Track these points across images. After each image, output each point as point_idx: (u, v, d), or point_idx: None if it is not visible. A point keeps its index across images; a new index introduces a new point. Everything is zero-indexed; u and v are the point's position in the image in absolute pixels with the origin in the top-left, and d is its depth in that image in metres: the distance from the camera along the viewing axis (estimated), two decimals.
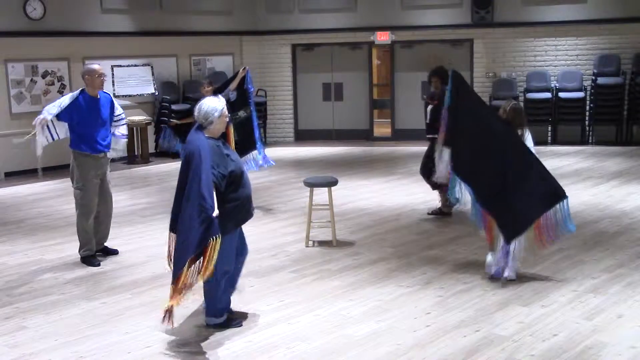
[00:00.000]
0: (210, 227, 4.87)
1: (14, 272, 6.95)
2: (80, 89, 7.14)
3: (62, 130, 7.04)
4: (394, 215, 8.82)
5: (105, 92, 7.24)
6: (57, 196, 10.74)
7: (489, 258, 6.36)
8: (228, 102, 9.05)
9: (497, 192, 6.13)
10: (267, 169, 10.16)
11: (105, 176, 7.19)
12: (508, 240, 6.14)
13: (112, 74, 13.95)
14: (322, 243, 7.66)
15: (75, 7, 13.38)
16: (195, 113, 5.25)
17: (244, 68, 9.41)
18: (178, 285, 4.90)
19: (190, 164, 5.00)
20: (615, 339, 4.98)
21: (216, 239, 4.89)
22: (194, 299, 5.40)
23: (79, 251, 7.17)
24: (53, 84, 13.15)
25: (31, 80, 12.87)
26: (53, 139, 7.03)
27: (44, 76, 13.03)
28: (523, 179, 6.16)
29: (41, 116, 6.89)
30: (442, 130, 6.39)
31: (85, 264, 7.03)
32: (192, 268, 4.91)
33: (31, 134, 6.94)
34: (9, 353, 5.02)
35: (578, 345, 4.89)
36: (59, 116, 6.93)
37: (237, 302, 5.90)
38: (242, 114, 9.37)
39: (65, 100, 7.00)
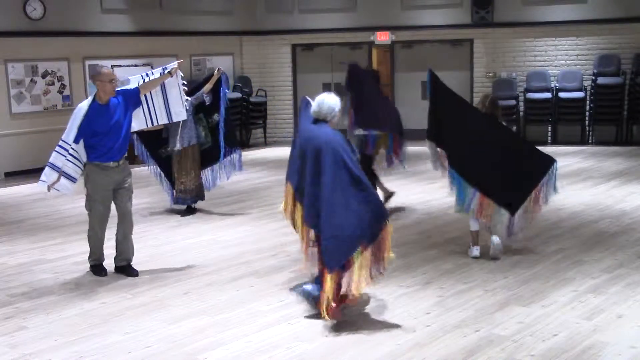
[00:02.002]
0: (381, 210, 5.19)
1: (14, 272, 6.95)
2: (90, 97, 6.59)
3: (82, 152, 6.55)
4: (394, 215, 8.82)
5: (114, 97, 6.58)
6: (57, 196, 10.70)
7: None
8: (203, 105, 8.95)
9: (489, 173, 6.61)
10: (243, 172, 10.02)
11: (121, 189, 6.66)
12: (513, 213, 6.69)
13: None
14: None
15: (75, 7, 13.38)
16: (316, 108, 5.42)
17: (219, 69, 9.01)
18: (347, 270, 5.13)
19: (321, 156, 5.18)
20: (615, 339, 4.97)
21: (389, 222, 5.16)
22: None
23: (88, 259, 6.90)
24: (53, 84, 13.16)
25: (31, 80, 12.88)
26: (79, 170, 6.58)
27: (44, 76, 13.03)
28: (513, 156, 6.69)
29: (53, 178, 6.46)
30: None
31: (93, 273, 6.79)
32: (365, 253, 5.09)
33: (53, 182, 6.52)
34: (9, 353, 5.02)
35: (578, 345, 4.89)
36: (76, 139, 6.44)
37: (237, 302, 5.91)
38: (216, 117, 9.15)
39: (77, 119, 6.43)
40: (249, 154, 14.73)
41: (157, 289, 6.28)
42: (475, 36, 15.22)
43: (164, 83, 7.36)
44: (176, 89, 7.54)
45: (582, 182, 10.61)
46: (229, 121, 9.30)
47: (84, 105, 6.48)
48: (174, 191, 9.22)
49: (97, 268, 6.81)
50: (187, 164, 9.04)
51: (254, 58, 16.16)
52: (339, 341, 5.07)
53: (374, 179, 8.75)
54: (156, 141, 9.19)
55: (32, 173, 12.50)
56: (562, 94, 14.52)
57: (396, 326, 5.30)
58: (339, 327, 5.30)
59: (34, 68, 12.91)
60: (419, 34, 15.49)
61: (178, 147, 8.97)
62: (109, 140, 6.49)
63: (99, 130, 6.44)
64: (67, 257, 7.44)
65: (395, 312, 5.58)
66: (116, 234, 6.79)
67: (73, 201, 10.19)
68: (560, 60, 14.91)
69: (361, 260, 5.10)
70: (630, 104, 14.30)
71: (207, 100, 8.94)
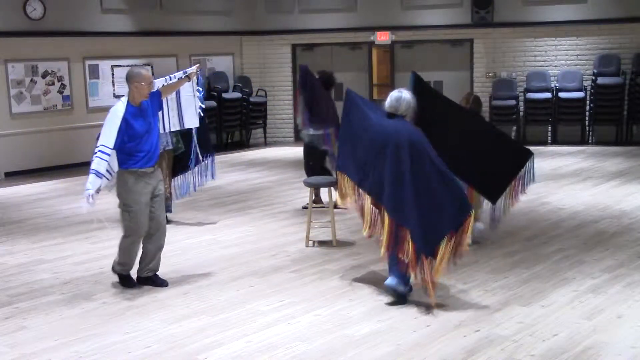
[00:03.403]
0: (465, 202, 5.49)
1: (14, 272, 6.95)
2: (124, 99, 6.15)
3: (114, 159, 6.09)
4: None
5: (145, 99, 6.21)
6: (57, 196, 10.74)
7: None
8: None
9: (473, 165, 6.85)
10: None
11: (156, 197, 6.28)
12: (494, 202, 7.02)
13: (112, 74, 13.96)
14: (322, 243, 7.67)
15: (75, 7, 13.38)
16: (394, 104, 5.66)
17: (198, 65, 8.35)
18: (437, 257, 5.41)
19: (407, 152, 5.46)
20: (615, 339, 4.98)
21: (472, 214, 5.47)
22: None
23: (113, 265, 6.44)
24: (53, 84, 13.16)
25: (31, 80, 12.87)
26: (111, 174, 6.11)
27: (44, 76, 13.03)
28: (494, 149, 6.99)
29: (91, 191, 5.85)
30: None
31: (120, 284, 6.36)
32: (450, 242, 5.38)
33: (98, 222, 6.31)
34: (9, 353, 5.02)
35: (578, 345, 4.89)
36: (115, 144, 5.96)
37: (237, 302, 5.91)
38: None
39: (115, 123, 5.97)
40: (249, 154, 14.74)
41: (157, 289, 6.28)
42: (475, 36, 15.22)
43: (179, 88, 7.11)
44: (191, 94, 7.32)
45: (582, 182, 10.61)
46: (204, 125, 8.47)
47: (119, 108, 6.04)
48: None
49: (127, 279, 6.37)
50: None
51: (254, 58, 16.16)
52: (339, 341, 5.07)
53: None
54: None
55: (32, 173, 12.54)
56: (562, 94, 14.51)
57: (396, 326, 5.30)
58: (339, 327, 5.30)
59: (34, 68, 12.90)
60: (419, 34, 15.49)
61: None
62: (146, 144, 6.13)
63: (136, 133, 6.05)
64: (67, 257, 7.44)
65: (395, 312, 5.58)
66: (147, 244, 6.32)
67: (73, 201, 10.20)
68: (560, 60, 14.90)
69: (445, 249, 5.41)
70: (630, 104, 14.29)
71: None
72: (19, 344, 5.18)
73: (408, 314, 5.54)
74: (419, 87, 7.04)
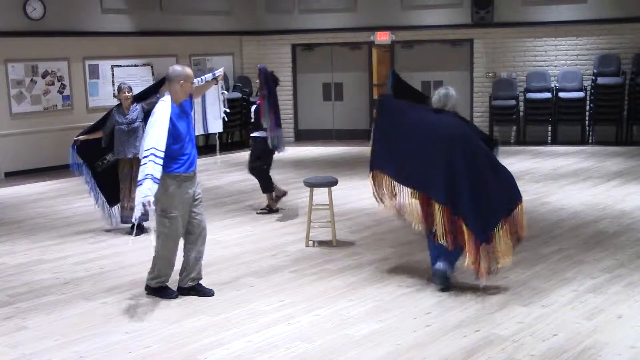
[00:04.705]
0: (515, 190, 5.86)
1: (14, 272, 6.95)
2: (166, 98, 5.82)
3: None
4: (394, 215, 8.80)
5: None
6: (57, 196, 10.74)
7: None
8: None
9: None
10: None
11: (197, 201, 6.02)
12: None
13: (112, 74, 13.96)
14: (322, 243, 7.67)
15: (75, 7, 13.39)
16: (442, 99, 6.00)
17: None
18: (491, 243, 5.76)
19: (459, 144, 5.79)
20: (615, 339, 4.98)
21: (522, 201, 5.87)
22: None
23: (148, 284, 6.15)
24: (53, 84, 13.16)
25: (31, 80, 12.88)
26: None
27: (44, 76, 13.03)
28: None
29: (148, 197, 5.47)
30: None
31: (156, 296, 6.06)
32: (504, 227, 5.75)
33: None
34: (9, 353, 5.02)
35: (578, 345, 4.89)
36: (165, 147, 5.66)
37: (237, 302, 5.91)
38: None
39: (164, 124, 5.62)
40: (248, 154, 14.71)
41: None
42: (475, 36, 15.22)
43: (205, 92, 6.92)
44: (216, 98, 7.15)
45: (582, 182, 10.61)
46: None
47: (166, 108, 5.71)
48: (120, 209, 8.28)
49: (165, 290, 6.10)
50: (135, 176, 7.66)
51: (254, 58, 16.15)
52: (339, 341, 5.07)
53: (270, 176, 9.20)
54: (95, 152, 8.26)
55: (32, 173, 12.54)
56: (562, 94, 14.51)
57: (396, 326, 5.30)
58: (339, 327, 5.30)
59: (34, 68, 12.91)
60: (419, 34, 15.49)
61: (130, 155, 8.04)
62: (189, 145, 5.85)
63: (181, 135, 5.77)
64: (67, 257, 7.44)
65: (395, 312, 5.58)
66: (188, 253, 6.07)
67: (73, 201, 10.20)
68: (560, 60, 14.91)
69: (501, 234, 5.74)
70: (630, 104, 14.29)
71: None
72: (19, 344, 5.18)
73: (408, 314, 5.55)
74: (398, 85, 7.36)
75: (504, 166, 5.91)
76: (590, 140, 14.71)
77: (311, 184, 7.70)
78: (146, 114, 7.86)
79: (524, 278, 6.31)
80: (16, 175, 12.55)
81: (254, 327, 5.37)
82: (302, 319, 5.51)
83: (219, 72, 6.90)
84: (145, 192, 5.46)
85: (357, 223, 8.55)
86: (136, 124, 8.08)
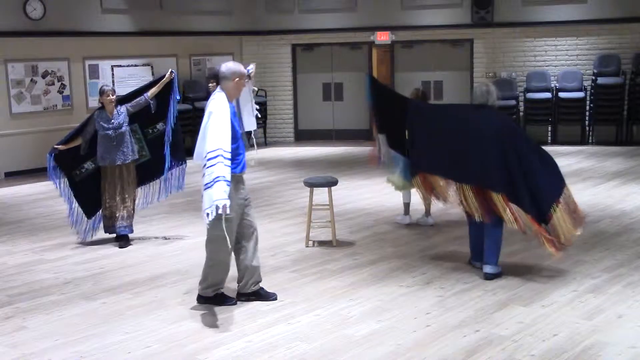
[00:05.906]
0: (560, 172, 6.30)
1: (14, 272, 6.95)
2: (222, 95, 5.50)
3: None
4: (394, 215, 8.82)
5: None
6: (57, 196, 10.67)
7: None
8: (147, 113, 7.76)
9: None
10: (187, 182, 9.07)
11: (248, 199, 5.80)
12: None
13: (112, 74, 13.96)
14: (322, 243, 7.67)
15: (75, 7, 13.39)
16: (486, 95, 6.27)
17: (171, 72, 7.83)
18: (550, 222, 6.09)
19: (507, 136, 6.12)
20: (615, 339, 4.98)
21: (566, 183, 6.28)
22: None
23: (202, 290, 5.82)
24: (53, 84, 13.17)
25: (31, 80, 12.88)
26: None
27: (44, 76, 13.04)
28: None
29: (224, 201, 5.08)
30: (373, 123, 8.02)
31: (214, 304, 5.79)
32: (560, 206, 6.07)
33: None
34: (9, 353, 5.02)
35: (578, 345, 4.89)
36: None
37: (237, 303, 5.90)
38: (161, 126, 7.89)
39: (226, 123, 5.34)
40: (248, 154, 14.70)
41: (157, 289, 6.29)
42: (475, 36, 15.22)
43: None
44: (248, 95, 6.88)
45: (582, 182, 10.61)
46: (178, 131, 8.00)
47: (226, 106, 5.43)
48: (102, 219, 7.85)
49: (223, 296, 5.85)
50: (121, 185, 7.74)
51: (254, 58, 16.12)
52: (338, 341, 5.07)
53: None
54: (71, 161, 7.84)
55: (32, 173, 12.53)
56: (562, 94, 14.51)
57: (396, 326, 5.30)
58: (339, 327, 5.31)
59: (34, 68, 12.91)
60: (419, 34, 15.49)
61: (119, 162, 7.64)
62: (242, 145, 5.65)
63: (237, 134, 5.54)
64: (67, 257, 7.44)
65: (395, 312, 5.58)
66: (243, 256, 5.81)
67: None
68: (560, 60, 14.91)
69: (559, 213, 6.06)
70: (630, 104, 14.29)
71: (153, 106, 7.76)
72: (19, 344, 5.18)
73: (408, 314, 5.55)
74: (375, 88, 7.52)
75: (548, 153, 6.29)
76: (590, 140, 14.71)
77: (311, 184, 7.70)
78: (131, 117, 7.72)
79: (524, 278, 6.31)
80: (16, 175, 12.56)
81: (254, 327, 5.36)
82: (302, 319, 5.50)
83: (251, 68, 6.47)
84: (220, 195, 5.06)
85: (357, 223, 8.55)
86: (123, 129, 7.60)
